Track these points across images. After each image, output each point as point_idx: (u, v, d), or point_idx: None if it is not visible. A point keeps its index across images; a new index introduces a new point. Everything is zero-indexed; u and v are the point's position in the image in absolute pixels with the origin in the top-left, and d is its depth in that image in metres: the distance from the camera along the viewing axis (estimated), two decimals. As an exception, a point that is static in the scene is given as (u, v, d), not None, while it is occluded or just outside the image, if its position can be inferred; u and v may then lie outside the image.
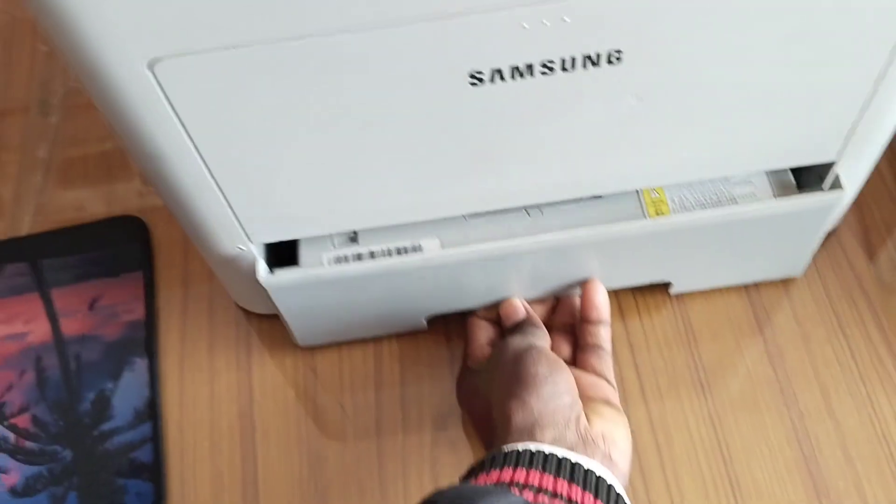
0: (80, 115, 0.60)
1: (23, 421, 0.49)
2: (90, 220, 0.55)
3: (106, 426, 0.49)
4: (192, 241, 0.45)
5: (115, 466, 0.48)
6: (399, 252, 0.43)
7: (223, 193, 0.39)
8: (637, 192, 0.44)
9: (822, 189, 0.42)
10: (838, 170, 0.44)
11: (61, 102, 0.61)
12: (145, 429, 0.49)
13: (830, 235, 0.52)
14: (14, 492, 0.48)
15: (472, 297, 0.47)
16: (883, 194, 0.53)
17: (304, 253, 0.44)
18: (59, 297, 0.53)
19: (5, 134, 0.59)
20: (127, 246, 0.54)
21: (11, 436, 0.49)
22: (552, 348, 0.44)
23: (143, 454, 0.48)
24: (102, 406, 0.50)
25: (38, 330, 0.52)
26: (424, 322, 0.49)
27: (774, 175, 0.44)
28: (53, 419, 0.49)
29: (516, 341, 0.42)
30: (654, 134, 0.39)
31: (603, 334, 0.44)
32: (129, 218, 0.55)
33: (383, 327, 0.50)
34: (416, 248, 0.44)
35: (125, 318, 0.52)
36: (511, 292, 0.46)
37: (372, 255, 0.44)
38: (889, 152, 0.54)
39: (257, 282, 0.47)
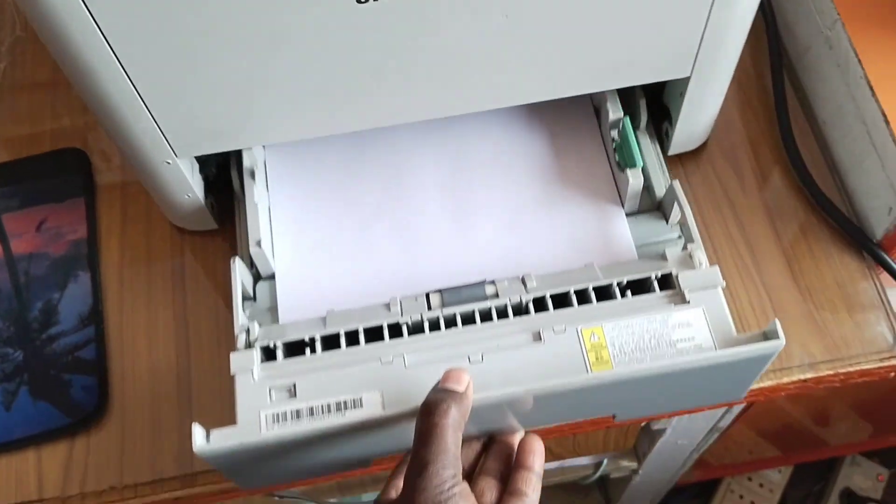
0: (27, 63, 0.65)
1: (-23, 328, 0.55)
2: (37, 154, 0.61)
3: (53, 330, 0.54)
4: (126, 158, 0.50)
5: (61, 364, 0.53)
6: (340, 408, 0.44)
7: (147, 106, 0.45)
8: (577, 331, 0.44)
9: (763, 338, 0.42)
10: (691, 86, 0.50)
11: (9, 50, 0.66)
12: (89, 331, 0.54)
13: (700, 149, 0.58)
14: (-30, 389, 0.53)
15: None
16: (748, 111, 0.60)
17: (241, 409, 0.43)
18: (9, 221, 0.58)
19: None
20: (71, 175, 0.60)
21: (-33, 341, 0.54)
22: (477, 493, 0.41)
23: (87, 353, 0.54)
24: (49, 313, 0.55)
25: (-10, 250, 0.57)
26: (370, 463, 0.48)
27: (711, 315, 0.44)
28: (5, 325, 0.55)
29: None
30: (524, 49, 0.46)
31: (535, 482, 0.42)
32: (72, 150, 0.61)
33: (328, 471, 0.49)
34: (357, 404, 0.44)
35: (69, 237, 0.57)
36: None
37: (311, 411, 0.43)
38: (754, 72, 0.61)
39: (187, 200, 0.53)
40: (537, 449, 0.43)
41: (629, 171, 0.49)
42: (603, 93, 0.52)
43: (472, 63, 0.46)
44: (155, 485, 0.51)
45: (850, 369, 0.52)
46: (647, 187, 0.51)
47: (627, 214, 0.51)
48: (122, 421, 0.52)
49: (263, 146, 0.54)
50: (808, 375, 0.52)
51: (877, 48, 0.53)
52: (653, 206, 0.52)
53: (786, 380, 0.52)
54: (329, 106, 0.47)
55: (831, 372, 0.52)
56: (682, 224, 0.49)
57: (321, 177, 0.54)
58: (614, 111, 0.51)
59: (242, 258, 0.49)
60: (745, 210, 0.56)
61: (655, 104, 0.55)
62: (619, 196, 0.52)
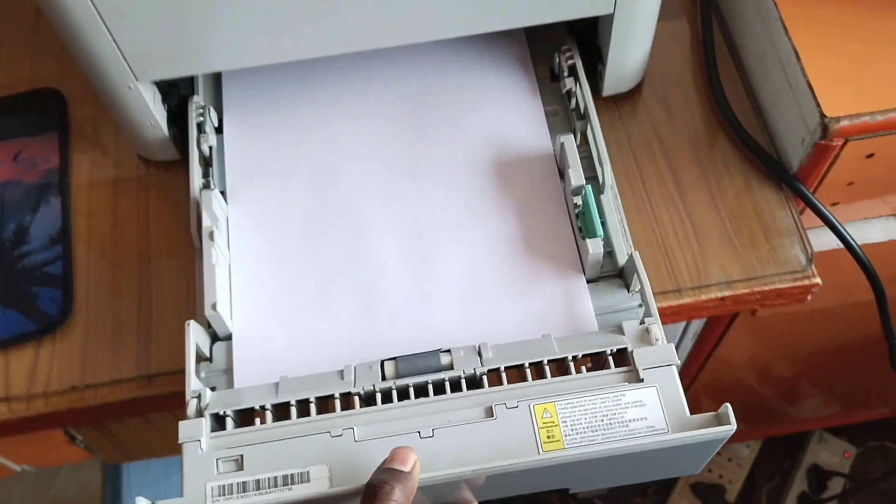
0: (7, 13, 0.70)
1: (-47, 246, 0.59)
2: (15, 93, 0.65)
3: (24, 248, 0.58)
4: (93, 84, 0.54)
5: (30, 278, 0.57)
6: (286, 482, 0.43)
7: (107, 27, 0.49)
8: (529, 408, 0.44)
9: (716, 422, 0.42)
10: (615, 24, 0.54)
11: (-6, 1, 0.70)
12: (57, 250, 0.58)
13: (635, 92, 0.62)
14: (-56, 301, 0.57)
15: None
16: (680, 61, 0.64)
17: (187, 481, 0.44)
18: (-12, 151, 0.62)
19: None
20: (46, 112, 0.64)
21: (-57, 258, 0.58)
22: None
23: (55, 269, 0.58)
24: (21, 234, 0.59)
25: (-31, 178, 0.61)
26: None
27: (665, 395, 0.44)
28: (-21, 245, 0.59)
29: None
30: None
31: None
32: (49, 90, 0.65)
33: None
34: (304, 478, 0.43)
35: (43, 167, 0.61)
36: None
37: (258, 484, 0.43)
38: (688, 27, 0.65)
39: (150, 128, 0.57)
40: None
41: (589, 242, 0.49)
42: (566, 156, 0.52)
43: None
44: (114, 385, 0.54)
45: (766, 288, 0.55)
46: (609, 253, 0.51)
47: (588, 280, 0.51)
48: (86, 329, 0.56)
49: (226, 200, 0.55)
50: (726, 294, 0.55)
51: (791, -9, 0.57)
52: (614, 272, 0.51)
53: (704, 297, 0.55)
54: (275, 30, 0.51)
55: (747, 290, 0.55)
56: (642, 296, 0.49)
57: (283, 233, 0.54)
58: (576, 178, 0.51)
59: (198, 318, 0.49)
60: (673, 147, 0.60)
61: (590, 46, 0.59)
62: (581, 262, 0.51)
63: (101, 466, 0.94)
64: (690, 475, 0.47)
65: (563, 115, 0.58)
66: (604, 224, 0.51)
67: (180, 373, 0.54)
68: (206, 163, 0.56)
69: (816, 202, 0.57)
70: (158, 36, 0.50)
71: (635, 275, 0.48)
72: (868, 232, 0.66)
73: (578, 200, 0.52)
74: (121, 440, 0.75)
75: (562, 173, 0.54)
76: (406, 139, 0.57)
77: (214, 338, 0.50)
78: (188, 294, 0.57)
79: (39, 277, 0.57)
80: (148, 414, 0.56)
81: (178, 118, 0.59)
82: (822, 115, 0.53)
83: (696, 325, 0.75)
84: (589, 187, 0.51)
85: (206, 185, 0.55)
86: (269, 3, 0.49)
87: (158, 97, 0.57)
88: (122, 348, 0.55)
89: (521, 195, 0.54)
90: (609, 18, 0.55)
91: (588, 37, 0.59)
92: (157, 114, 0.56)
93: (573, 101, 0.57)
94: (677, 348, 0.78)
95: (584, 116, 0.55)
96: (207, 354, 0.49)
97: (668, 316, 0.56)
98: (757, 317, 0.76)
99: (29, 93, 0.65)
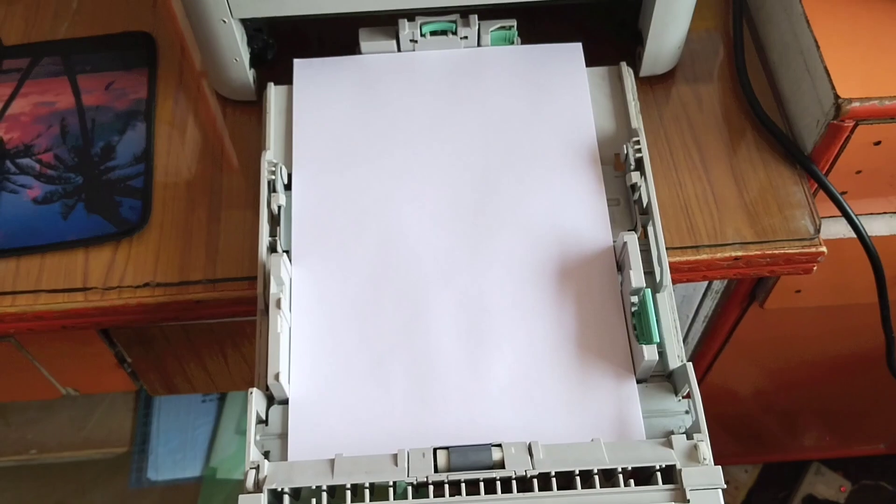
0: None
1: (46, 157, 0.65)
2: (112, 33, 0.72)
3: (110, 164, 0.65)
4: (189, 17, 0.61)
5: (114, 189, 0.64)
6: None
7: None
8: None
9: None
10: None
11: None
12: (140, 167, 0.65)
13: (668, 77, 0.69)
14: (35, 201, 0.63)
15: None
16: (711, 53, 0.70)
17: None
18: (83, 80, 0.69)
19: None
20: (138, 50, 0.71)
21: (37, 165, 0.65)
22: None
23: (137, 183, 0.64)
24: (109, 151, 0.66)
25: (65, 101, 0.68)
26: None
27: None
28: (70, 157, 0.65)
29: None
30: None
31: None
32: (141, 33, 0.72)
33: None
34: None
35: (132, 96, 0.68)
36: None
37: None
38: (722, 25, 0.72)
39: (234, 64, 0.64)
40: None
41: (645, 348, 0.50)
42: (627, 255, 0.54)
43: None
44: (181, 286, 0.60)
45: (776, 252, 0.61)
46: (661, 354, 0.52)
47: (638, 381, 0.52)
48: (160, 236, 0.62)
49: (290, 263, 0.56)
50: (740, 254, 0.61)
51: (815, -9, 0.64)
52: (663, 373, 0.52)
53: (719, 255, 0.61)
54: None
55: (759, 252, 0.61)
56: (691, 407, 0.51)
57: (343, 301, 0.55)
58: (637, 280, 0.53)
59: (258, 382, 0.52)
60: (700, 125, 0.67)
61: (630, 31, 0.66)
62: (633, 362, 0.53)
63: (133, 412, 0.99)
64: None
65: (624, 206, 0.59)
66: (659, 326, 0.52)
67: (242, 279, 0.60)
68: (273, 221, 0.57)
69: (826, 181, 0.62)
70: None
71: (686, 385, 0.50)
72: (872, 226, 0.72)
73: (635, 299, 0.53)
74: (167, 370, 0.81)
75: (619, 267, 0.56)
76: (470, 215, 0.58)
77: (270, 400, 0.52)
78: (252, 216, 0.62)
79: (122, 189, 0.64)
80: (210, 317, 0.61)
81: (257, 63, 0.66)
82: (837, 97, 0.59)
83: (708, 306, 0.80)
84: (648, 291, 0.52)
85: (273, 247, 0.56)
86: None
87: (245, 38, 0.64)
88: (192, 255, 0.61)
89: (578, 285, 0.55)
90: (651, 2, 0.62)
91: (631, 19, 0.66)
92: (242, 52, 0.63)
93: (636, 195, 0.58)
94: (688, 330, 0.84)
95: (646, 212, 0.57)
96: (264, 417, 0.52)
97: (684, 272, 0.62)
98: (766, 310, 0.81)
99: (123, 33, 0.72)
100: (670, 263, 0.57)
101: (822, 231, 0.62)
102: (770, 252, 0.61)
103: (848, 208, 0.63)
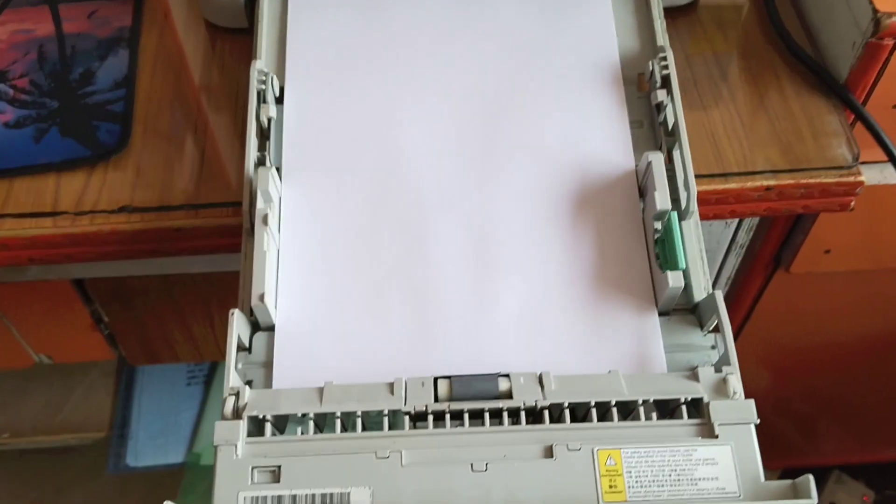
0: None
1: (21, 82, 0.61)
2: (97, -35, 0.68)
3: (89, 88, 0.60)
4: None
5: (92, 114, 0.59)
6: (325, 501, 0.40)
7: None
8: (592, 453, 0.41)
9: (793, 493, 0.40)
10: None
11: None
12: (120, 92, 0.60)
13: (690, 8, 0.64)
14: (7, 125, 0.58)
15: None
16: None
17: (219, 487, 0.41)
18: (64, 9, 0.65)
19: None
20: (124, -19, 0.67)
21: (10, 91, 0.60)
22: None
23: (116, 107, 0.59)
24: (88, 76, 0.61)
25: (44, 29, 0.64)
26: None
27: (740, 456, 0.41)
28: (46, 82, 0.61)
29: None
30: None
31: None
32: (128, -36, 0.68)
33: None
34: (344, 500, 0.40)
35: (116, 24, 0.64)
36: None
37: (293, 500, 0.40)
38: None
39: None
40: None
41: (670, 274, 0.45)
42: (652, 176, 0.49)
43: None
44: (160, 212, 0.55)
45: (811, 181, 0.56)
46: (686, 286, 0.47)
47: (660, 314, 0.48)
48: (139, 161, 0.57)
49: (280, 181, 0.51)
50: (772, 183, 0.56)
51: None
52: (687, 306, 0.48)
53: (750, 184, 0.56)
54: None
55: (793, 181, 0.56)
56: (719, 340, 0.46)
57: (338, 222, 0.51)
58: (662, 202, 0.48)
59: (242, 306, 0.47)
60: (725, 57, 0.62)
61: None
62: (654, 293, 0.48)
63: (113, 395, 0.93)
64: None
65: (648, 129, 0.54)
66: (685, 252, 0.47)
67: (227, 205, 0.55)
68: (262, 135, 0.52)
69: (862, 108, 0.58)
70: None
71: (713, 316, 0.45)
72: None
73: (659, 225, 0.48)
74: (148, 332, 0.75)
75: (642, 192, 0.51)
76: (480, 134, 0.53)
77: (255, 326, 0.48)
78: (239, 145, 0.57)
79: (100, 113, 0.59)
80: (190, 251, 0.56)
81: (250, -15, 0.62)
82: (875, 11, 0.54)
83: (731, 265, 0.75)
84: (674, 214, 0.47)
85: (262, 161, 0.51)
86: None
87: (237, -46, 0.59)
88: (173, 181, 0.56)
89: (596, 212, 0.51)
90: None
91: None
92: None
93: (662, 115, 0.52)
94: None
95: (672, 133, 0.51)
96: (247, 344, 0.47)
97: (711, 204, 0.57)
98: (792, 274, 0.76)
99: (109, -36, 0.68)
100: (697, 194, 0.52)
101: (863, 186, 0.57)
102: (804, 181, 0.56)
103: (886, 138, 0.58)
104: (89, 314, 0.72)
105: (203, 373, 0.96)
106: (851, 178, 0.56)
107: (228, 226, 0.55)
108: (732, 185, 0.56)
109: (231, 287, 0.69)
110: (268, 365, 0.46)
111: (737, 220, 0.68)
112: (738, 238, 0.70)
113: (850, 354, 0.91)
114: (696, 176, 0.55)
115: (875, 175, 0.66)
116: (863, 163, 0.60)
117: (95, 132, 0.58)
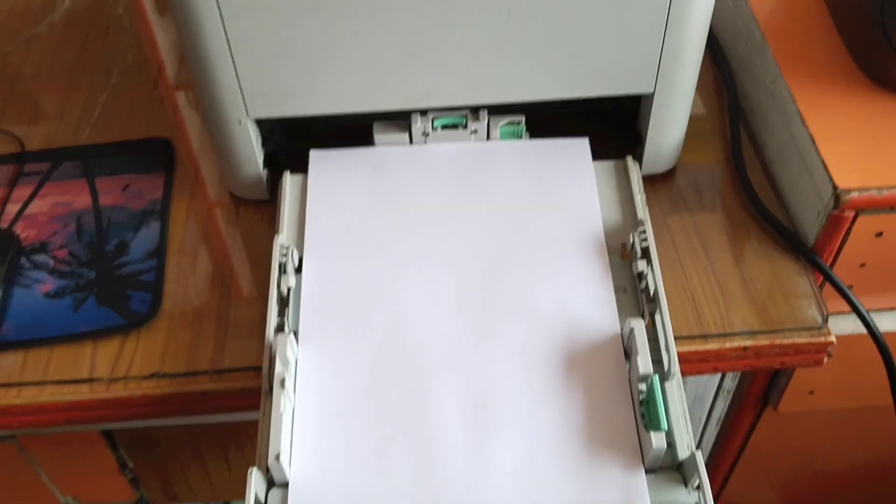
0: (131, 86, 0.81)
1: (61, 253, 0.67)
2: (132, 139, 0.75)
3: (123, 259, 0.66)
4: (206, 117, 0.64)
5: (126, 283, 0.65)
6: None
7: (234, 62, 0.59)
8: None
9: None
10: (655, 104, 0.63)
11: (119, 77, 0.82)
12: (152, 262, 0.66)
13: (669, 175, 0.70)
14: (47, 295, 0.64)
15: None
16: (709, 154, 0.72)
17: None
18: (101, 182, 0.72)
19: (76, 89, 0.80)
20: (156, 156, 0.74)
21: (51, 261, 0.66)
22: None
23: (148, 277, 0.65)
24: (122, 247, 0.67)
25: (82, 201, 0.70)
26: None
27: None
28: (84, 253, 0.67)
29: None
30: (518, 47, 0.59)
31: None
32: (160, 139, 0.75)
33: None
34: None
35: (148, 197, 0.70)
36: None
37: None
38: (718, 125, 0.74)
39: (248, 163, 0.66)
40: None
41: (653, 435, 0.50)
42: (634, 341, 0.54)
43: (482, 54, 0.60)
44: (187, 377, 0.60)
45: (785, 342, 0.61)
46: (671, 445, 0.51)
47: (647, 471, 0.51)
48: (169, 328, 0.62)
49: (297, 344, 0.57)
50: (749, 343, 0.61)
51: (807, 91, 0.66)
52: (672, 464, 0.51)
53: (728, 345, 0.61)
54: (370, 81, 0.61)
55: (768, 342, 0.61)
56: (701, 499, 0.49)
57: (348, 382, 0.55)
58: (644, 366, 0.52)
59: (259, 462, 0.51)
60: (703, 221, 0.68)
61: (630, 132, 0.69)
62: (641, 450, 0.51)
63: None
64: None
65: (631, 294, 0.59)
66: (668, 413, 0.51)
67: (249, 369, 0.60)
68: (282, 302, 0.58)
69: (829, 270, 0.63)
70: (275, 75, 0.60)
71: (695, 473, 0.49)
72: (881, 322, 0.71)
73: (643, 386, 0.53)
74: (168, 475, 0.79)
75: (627, 354, 0.55)
76: (477, 301, 0.58)
77: (270, 484, 0.51)
78: (262, 309, 0.63)
79: (133, 283, 0.65)
80: (214, 411, 0.61)
81: (270, 163, 0.68)
82: (835, 188, 0.60)
83: (721, 408, 0.79)
84: (656, 377, 0.52)
85: (281, 327, 0.57)
86: (373, 52, 0.59)
87: (259, 138, 0.66)
88: (200, 347, 0.61)
89: (585, 373, 0.55)
90: (649, 100, 0.64)
91: (630, 122, 0.68)
92: (256, 151, 0.65)
93: (643, 283, 0.58)
94: (701, 435, 0.82)
95: (653, 300, 0.57)
96: (263, 501, 0.50)
97: (693, 363, 0.62)
98: (780, 413, 0.80)
99: (143, 139, 0.75)
100: (679, 354, 0.57)
101: (831, 328, 0.62)
102: (779, 342, 0.61)
103: (854, 298, 0.63)
104: (115, 460, 0.76)
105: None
106: (822, 339, 0.61)
107: (250, 388, 0.60)
108: (712, 346, 0.61)
109: (246, 432, 0.74)
110: None
111: (722, 368, 0.73)
112: (725, 384, 0.75)
113: (840, 487, 0.94)
114: (678, 337, 0.60)
115: (849, 325, 0.71)
116: (837, 313, 0.65)
117: (129, 301, 0.63)
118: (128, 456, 0.76)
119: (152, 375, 0.60)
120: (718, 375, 0.73)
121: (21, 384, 0.60)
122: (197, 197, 0.71)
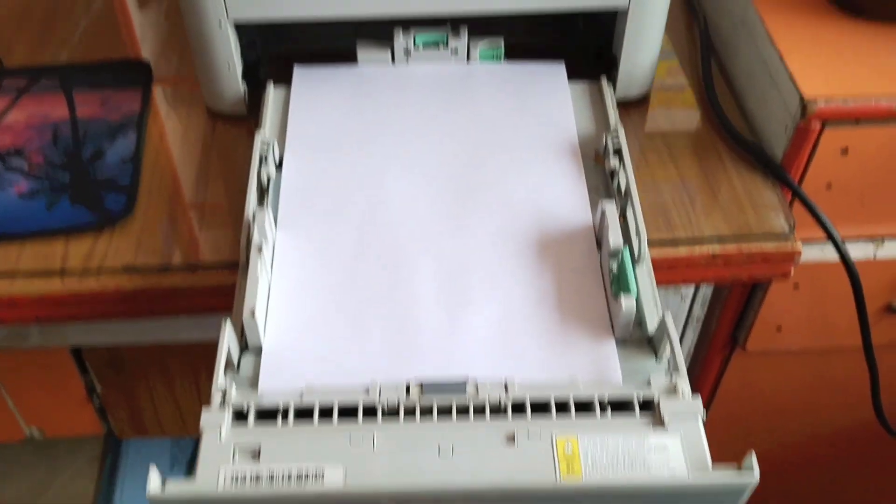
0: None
1: (36, 158, 0.67)
2: (113, 59, 0.76)
3: (98, 164, 0.66)
4: (187, 21, 0.64)
5: (100, 186, 0.65)
6: (300, 478, 0.44)
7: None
8: (551, 438, 0.45)
9: (737, 471, 0.43)
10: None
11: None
12: (127, 167, 0.66)
13: (643, 102, 0.72)
14: (21, 195, 0.64)
15: None
16: (681, 80, 0.74)
17: (202, 464, 0.44)
18: (79, 96, 0.72)
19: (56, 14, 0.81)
20: (134, 74, 0.74)
21: (25, 164, 0.66)
22: None
23: (123, 180, 0.65)
24: (98, 155, 0.67)
25: (59, 113, 0.70)
26: None
27: (688, 443, 0.45)
28: (60, 158, 0.66)
29: None
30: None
31: None
32: (139, 60, 0.75)
33: None
34: (319, 476, 0.44)
35: (125, 110, 0.71)
36: None
37: (271, 477, 0.43)
38: (688, 57, 0.76)
39: (227, 72, 0.67)
40: None
41: (623, 297, 0.50)
42: (606, 221, 0.55)
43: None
44: (161, 273, 0.60)
45: (753, 249, 0.62)
46: (640, 321, 0.52)
47: (618, 344, 0.51)
48: (143, 227, 0.62)
49: (275, 225, 0.58)
50: (717, 250, 0.62)
51: (776, 16, 0.68)
52: (643, 341, 0.52)
53: (697, 251, 0.62)
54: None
55: (736, 250, 0.62)
56: (671, 364, 0.50)
57: (324, 264, 0.56)
58: (615, 241, 0.53)
59: (234, 322, 0.51)
60: (675, 142, 0.69)
61: (607, 57, 0.70)
62: (612, 326, 0.52)
63: (96, 479, 0.94)
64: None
65: (604, 193, 0.61)
66: (637, 282, 0.52)
67: (222, 267, 0.60)
68: (262, 191, 0.59)
69: (796, 185, 0.64)
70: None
71: (665, 340, 0.50)
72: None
73: (614, 265, 0.53)
74: (137, 403, 0.78)
75: (599, 243, 0.56)
76: (454, 193, 0.60)
77: (244, 347, 0.51)
78: (235, 220, 0.63)
79: (108, 184, 0.65)
80: (189, 310, 0.61)
81: (249, 77, 0.69)
82: (802, 98, 0.62)
83: (690, 339, 0.79)
84: (625, 249, 0.53)
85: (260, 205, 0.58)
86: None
87: (238, 46, 0.67)
88: (174, 246, 0.61)
89: (558, 258, 0.56)
90: (624, 17, 0.66)
91: (605, 49, 0.70)
92: (235, 59, 0.66)
93: (615, 181, 0.60)
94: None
95: (625, 196, 0.58)
96: (235, 363, 0.50)
97: (664, 271, 0.62)
98: (749, 352, 0.81)
99: (123, 59, 0.75)
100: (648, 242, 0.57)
101: (800, 256, 0.63)
102: (747, 249, 0.62)
103: (821, 214, 0.64)
104: (83, 385, 0.75)
105: (185, 457, 0.98)
106: (789, 247, 0.62)
107: (225, 285, 0.60)
108: (682, 251, 0.62)
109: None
110: (254, 383, 0.50)
111: (692, 294, 0.74)
112: (694, 311, 0.76)
113: (811, 436, 0.95)
114: (649, 241, 0.61)
115: (815, 253, 0.72)
116: (803, 241, 0.66)
117: (103, 201, 0.63)
118: (97, 378, 0.75)
119: (125, 269, 0.60)
120: (688, 302, 0.74)
121: (-9, 276, 0.60)
122: (172, 113, 0.71)
